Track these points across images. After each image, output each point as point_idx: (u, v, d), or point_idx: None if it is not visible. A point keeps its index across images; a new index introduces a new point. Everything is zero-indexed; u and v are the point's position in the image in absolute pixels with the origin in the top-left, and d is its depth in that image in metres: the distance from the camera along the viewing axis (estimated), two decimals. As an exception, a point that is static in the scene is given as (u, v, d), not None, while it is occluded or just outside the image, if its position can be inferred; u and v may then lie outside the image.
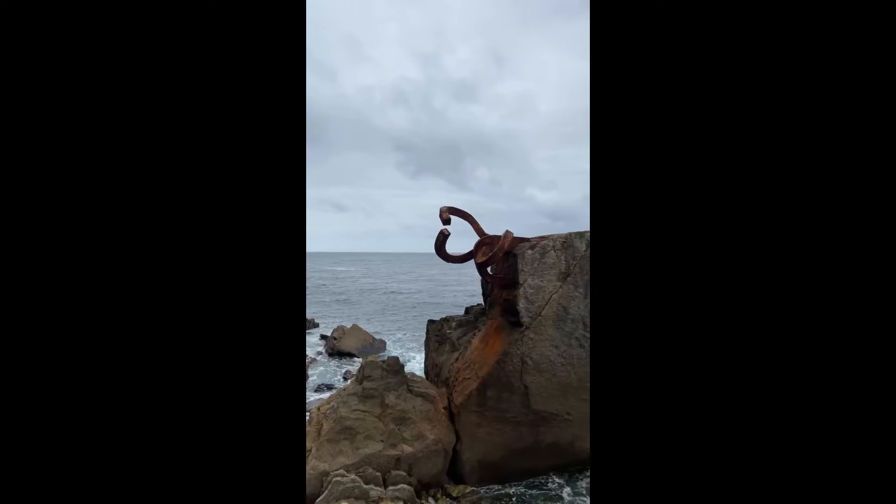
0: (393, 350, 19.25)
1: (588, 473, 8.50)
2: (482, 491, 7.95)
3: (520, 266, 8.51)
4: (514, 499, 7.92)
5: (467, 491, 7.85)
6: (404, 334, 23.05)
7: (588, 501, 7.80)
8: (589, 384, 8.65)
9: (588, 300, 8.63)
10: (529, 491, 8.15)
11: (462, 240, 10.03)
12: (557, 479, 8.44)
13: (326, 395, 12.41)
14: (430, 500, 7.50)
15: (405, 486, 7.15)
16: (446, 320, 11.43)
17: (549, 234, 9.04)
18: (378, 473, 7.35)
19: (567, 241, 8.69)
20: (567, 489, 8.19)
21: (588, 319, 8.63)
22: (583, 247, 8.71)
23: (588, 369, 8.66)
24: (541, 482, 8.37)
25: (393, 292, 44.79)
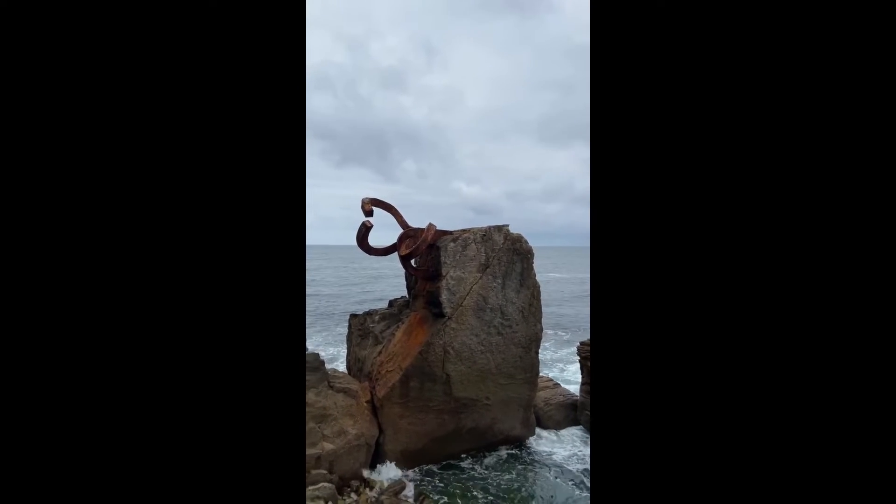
0: (313, 347, 18.48)
1: (494, 452, 9.32)
2: (409, 473, 8.08)
3: (442, 258, 8.71)
4: (435, 479, 8.20)
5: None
6: (327, 332, 22.22)
7: (492, 475, 8.49)
8: (506, 369, 9.21)
9: (505, 291, 9.14)
10: (444, 472, 8.52)
11: (385, 232, 9.96)
12: (468, 459, 8.96)
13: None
14: (353, 494, 7.42)
15: (326, 484, 6.99)
16: (369, 314, 11.28)
17: (471, 227, 9.37)
18: (296, 474, 7.07)
19: (487, 234, 9.09)
20: (476, 467, 8.75)
21: (505, 308, 9.14)
22: (500, 240, 9.17)
23: (505, 356, 9.20)
24: (451, 464, 8.78)
25: (312, 285, 42.78)
